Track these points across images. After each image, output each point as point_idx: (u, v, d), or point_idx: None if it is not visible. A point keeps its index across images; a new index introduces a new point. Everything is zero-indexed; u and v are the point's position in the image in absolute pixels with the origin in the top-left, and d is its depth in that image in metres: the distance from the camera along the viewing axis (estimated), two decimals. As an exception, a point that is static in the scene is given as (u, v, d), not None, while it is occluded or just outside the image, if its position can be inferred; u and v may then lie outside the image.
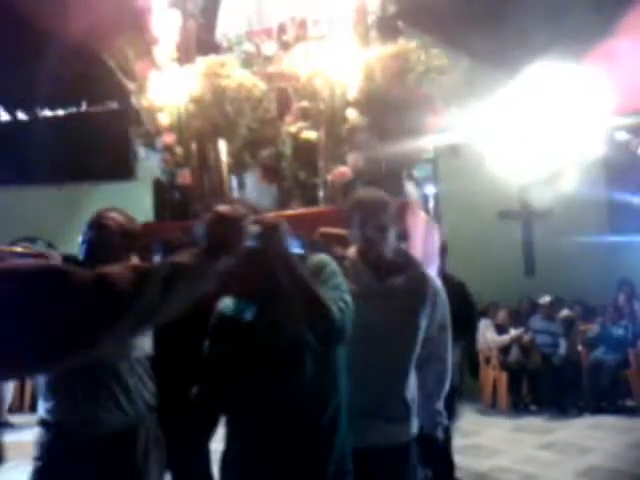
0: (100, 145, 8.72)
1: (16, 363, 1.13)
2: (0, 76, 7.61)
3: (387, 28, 3.99)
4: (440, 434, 2.31)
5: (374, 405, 2.10)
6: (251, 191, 4.13)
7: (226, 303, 1.94)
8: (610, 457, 4.75)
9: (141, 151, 4.26)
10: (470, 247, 6.99)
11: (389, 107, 3.73)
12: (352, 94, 3.75)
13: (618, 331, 7.22)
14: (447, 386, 2.35)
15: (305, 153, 3.86)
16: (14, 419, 6.88)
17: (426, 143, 3.83)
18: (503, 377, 7.22)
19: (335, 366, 1.85)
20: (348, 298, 1.77)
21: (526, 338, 7.34)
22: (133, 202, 10.31)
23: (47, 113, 9.12)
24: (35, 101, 8.84)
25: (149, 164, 4.27)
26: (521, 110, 6.34)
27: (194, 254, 1.28)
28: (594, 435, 5.43)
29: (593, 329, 7.46)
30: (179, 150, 3.98)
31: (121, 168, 9.34)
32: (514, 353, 7.29)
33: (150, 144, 4.10)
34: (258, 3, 4.40)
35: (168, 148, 3.97)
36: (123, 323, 1.15)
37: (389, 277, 2.21)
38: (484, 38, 6.35)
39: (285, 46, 4.13)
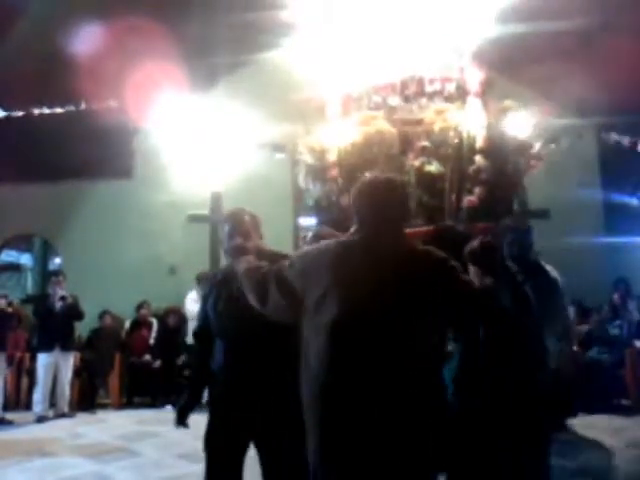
0: (100, 142, 8.70)
1: None
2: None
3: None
4: None
5: None
6: None
7: None
8: (604, 456, 4.76)
9: (308, 182, 5.55)
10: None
11: (504, 152, 5.18)
12: (479, 144, 5.18)
13: (613, 331, 7.25)
14: None
15: (427, 182, 5.14)
16: (10, 416, 6.86)
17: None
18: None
19: None
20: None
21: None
22: (129, 201, 10.27)
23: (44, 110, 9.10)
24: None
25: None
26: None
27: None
28: (589, 434, 5.44)
29: (588, 329, 7.48)
30: (340, 180, 5.32)
31: (121, 166, 9.33)
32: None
33: (318, 177, 5.44)
34: (383, 61, 5.64)
35: (334, 179, 5.34)
36: None
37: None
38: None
39: (406, 99, 5.50)
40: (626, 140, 8.64)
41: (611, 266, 8.01)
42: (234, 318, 2.56)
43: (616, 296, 7.55)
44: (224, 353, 2.61)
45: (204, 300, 2.80)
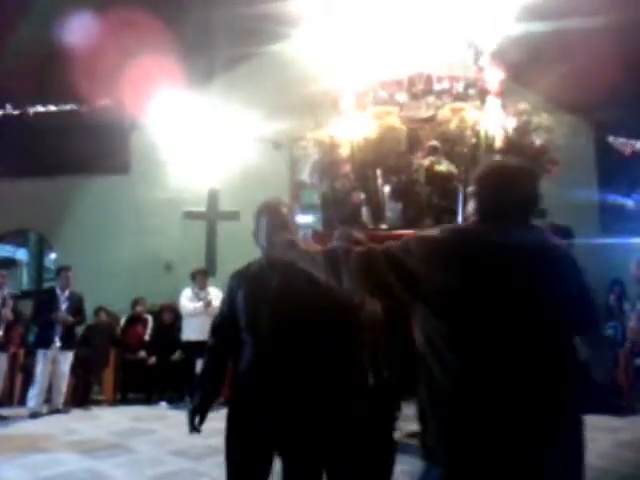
0: (97, 138, 8.67)
1: None
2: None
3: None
4: None
5: None
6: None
7: None
8: (599, 457, 4.74)
9: (314, 177, 5.34)
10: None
11: (522, 153, 4.86)
12: (497, 144, 5.01)
13: (608, 331, 7.26)
14: None
15: (438, 181, 4.97)
16: (3, 412, 6.83)
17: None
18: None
19: None
20: None
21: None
22: (126, 196, 10.22)
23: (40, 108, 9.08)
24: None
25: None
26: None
27: None
28: (583, 434, 5.46)
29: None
30: (352, 176, 5.18)
31: (117, 162, 9.30)
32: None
33: (327, 172, 5.24)
34: (390, 57, 5.54)
35: (346, 175, 5.18)
36: None
37: None
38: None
39: (414, 96, 5.37)
40: (623, 141, 8.66)
41: (606, 267, 8.01)
42: (269, 317, 2.33)
43: (612, 297, 7.58)
44: (254, 355, 2.37)
45: (231, 293, 2.52)
